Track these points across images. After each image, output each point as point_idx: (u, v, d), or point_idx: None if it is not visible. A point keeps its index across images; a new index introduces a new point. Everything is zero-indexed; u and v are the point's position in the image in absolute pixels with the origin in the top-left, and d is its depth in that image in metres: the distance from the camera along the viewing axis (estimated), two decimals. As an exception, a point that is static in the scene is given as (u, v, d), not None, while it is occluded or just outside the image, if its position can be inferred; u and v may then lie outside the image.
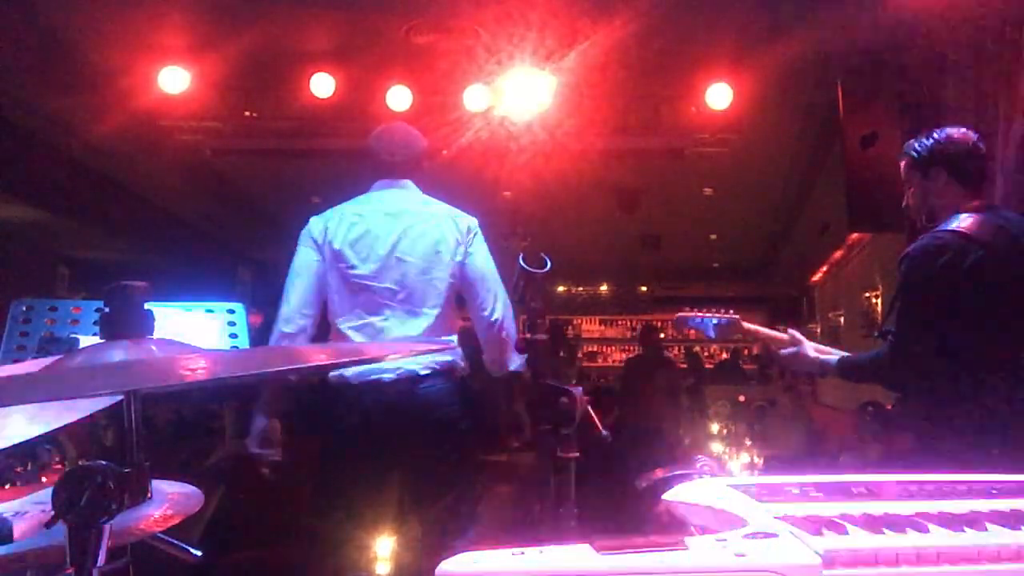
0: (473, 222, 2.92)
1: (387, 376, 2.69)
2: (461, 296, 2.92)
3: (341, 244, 2.79)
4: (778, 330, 2.96)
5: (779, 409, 6.89)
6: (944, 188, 2.54)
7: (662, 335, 9.77)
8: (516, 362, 2.91)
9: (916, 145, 2.60)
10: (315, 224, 2.86)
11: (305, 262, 2.83)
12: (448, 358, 2.78)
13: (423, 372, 2.72)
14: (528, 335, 2.09)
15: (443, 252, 2.82)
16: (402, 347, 2.43)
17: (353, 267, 2.79)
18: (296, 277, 2.83)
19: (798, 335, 2.81)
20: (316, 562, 2.71)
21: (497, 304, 2.86)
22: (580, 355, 12.59)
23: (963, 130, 2.58)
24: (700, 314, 3.21)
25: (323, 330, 2.88)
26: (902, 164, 2.64)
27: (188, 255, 8.76)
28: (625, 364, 9.39)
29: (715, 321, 3.19)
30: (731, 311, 3.20)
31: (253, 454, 2.82)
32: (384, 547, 2.88)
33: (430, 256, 2.81)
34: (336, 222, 2.83)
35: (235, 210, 8.60)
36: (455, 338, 2.91)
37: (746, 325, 3.13)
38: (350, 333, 2.77)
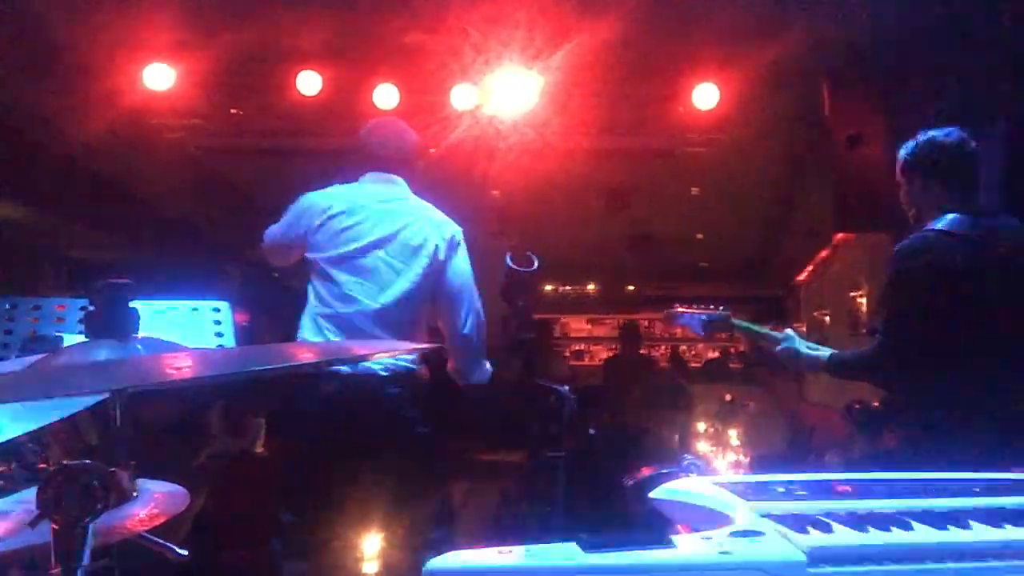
0: (458, 231, 2.88)
1: (344, 368, 2.66)
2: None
3: (319, 229, 2.79)
4: (770, 327, 2.96)
5: (765, 408, 6.91)
6: (930, 190, 2.56)
7: (645, 333, 9.74)
8: (479, 374, 2.88)
9: (905, 148, 2.62)
10: (303, 202, 2.89)
11: (284, 231, 2.90)
12: (409, 365, 2.74)
13: (383, 373, 2.69)
14: (517, 334, 2.09)
15: (423, 252, 2.79)
16: (384, 347, 2.43)
17: (328, 254, 2.78)
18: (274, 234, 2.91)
19: (790, 331, 2.82)
20: (294, 559, 2.70)
21: (470, 318, 2.82)
22: (567, 353, 12.58)
23: (949, 132, 2.59)
24: (689, 310, 3.20)
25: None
26: (897, 167, 2.66)
27: (175, 253, 8.69)
28: (604, 364, 9.33)
29: (704, 317, 3.17)
30: (721, 308, 3.19)
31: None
32: (356, 545, 2.88)
33: (408, 254, 2.78)
34: (322, 204, 2.83)
35: (222, 207, 8.55)
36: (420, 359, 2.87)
37: (736, 321, 3.12)
38: (321, 321, 2.75)
